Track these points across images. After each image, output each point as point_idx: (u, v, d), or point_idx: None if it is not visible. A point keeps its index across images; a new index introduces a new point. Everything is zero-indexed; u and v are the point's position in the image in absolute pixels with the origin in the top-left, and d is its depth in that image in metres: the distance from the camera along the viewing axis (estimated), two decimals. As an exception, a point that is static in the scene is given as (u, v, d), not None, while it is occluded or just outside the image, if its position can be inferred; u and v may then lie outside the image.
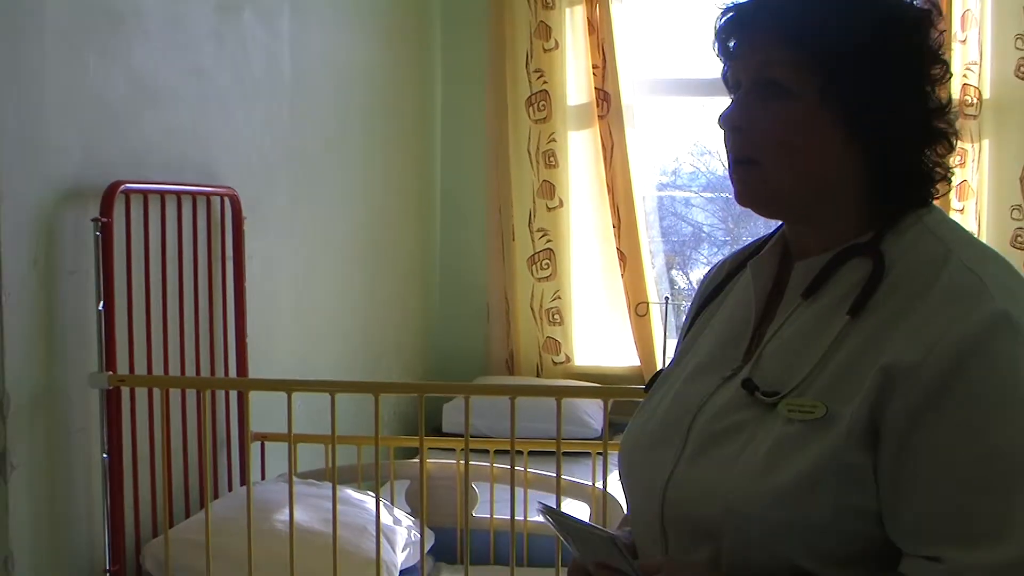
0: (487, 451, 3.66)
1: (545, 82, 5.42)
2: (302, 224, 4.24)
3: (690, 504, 1.35)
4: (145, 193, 3.18)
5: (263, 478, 3.63)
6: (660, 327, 5.31)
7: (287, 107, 4.10)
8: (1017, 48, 5.08)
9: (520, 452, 3.26)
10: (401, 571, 3.28)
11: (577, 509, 3.50)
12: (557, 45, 5.40)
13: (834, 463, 1.25)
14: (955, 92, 5.00)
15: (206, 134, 3.59)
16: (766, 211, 1.43)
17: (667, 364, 1.58)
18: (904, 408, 1.23)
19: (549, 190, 5.46)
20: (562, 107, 5.43)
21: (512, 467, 3.02)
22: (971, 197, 5.16)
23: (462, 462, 3.26)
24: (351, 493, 3.43)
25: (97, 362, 2.97)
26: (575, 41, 5.43)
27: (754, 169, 1.37)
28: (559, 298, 5.51)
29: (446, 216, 5.74)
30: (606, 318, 5.56)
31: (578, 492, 3.51)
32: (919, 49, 1.35)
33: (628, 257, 5.41)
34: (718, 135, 1.42)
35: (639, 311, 5.41)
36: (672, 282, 6.00)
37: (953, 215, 4.94)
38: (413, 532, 3.39)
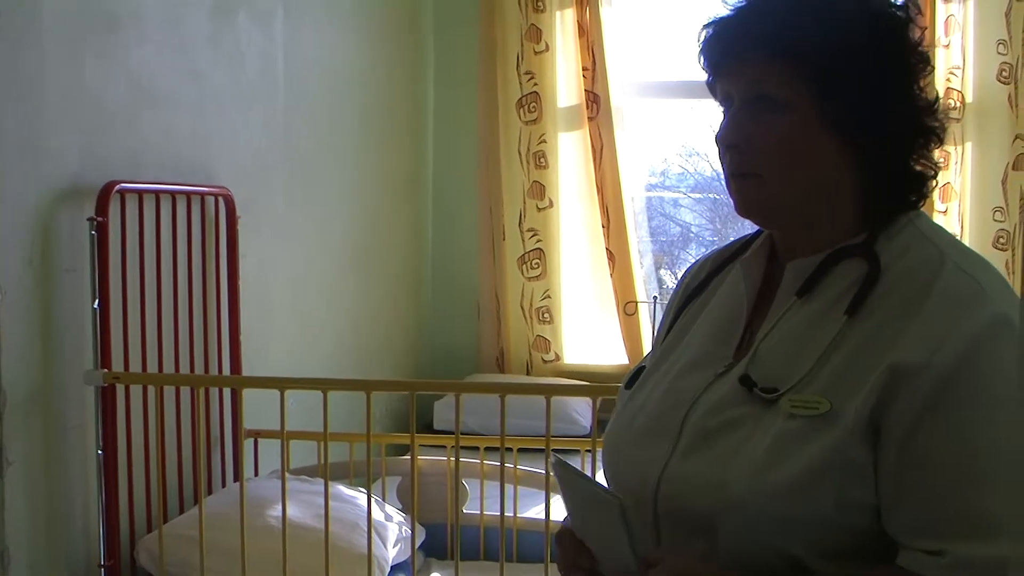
0: (477, 448, 3.66)
1: (536, 84, 5.42)
2: (296, 223, 4.24)
3: (685, 498, 1.36)
4: (141, 193, 3.19)
5: (256, 474, 3.64)
6: (648, 326, 5.32)
7: (281, 108, 4.11)
8: (999, 53, 5.10)
9: (510, 449, 3.28)
10: (392, 566, 3.29)
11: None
12: (547, 48, 5.41)
13: (837, 458, 1.27)
14: (939, 99, 5.01)
15: (202, 135, 3.60)
16: (768, 220, 1.45)
17: (652, 362, 1.57)
18: (908, 406, 1.25)
19: (539, 190, 5.46)
20: (552, 109, 5.43)
21: (502, 464, 3.02)
22: (954, 199, 5.18)
23: (453, 459, 3.27)
24: (343, 489, 3.44)
25: (92, 359, 2.98)
26: (565, 44, 5.43)
27: (755, 182, 1.38)
28: (549, 297, 5.52)
29: (438, 216, 5.74)
30: (595, 317, 5.57)
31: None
32: (905, 49, 1.36)
33: (617, 257, 5.42)
34: (708, 140, 1.42)
35: (628, 310, 5.42)
36: (660, 282, 6.00)
37: (937, 216, 4.97)
38: (404, 528, 3.40)
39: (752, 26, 1.36)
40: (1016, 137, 5.08)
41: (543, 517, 3.13)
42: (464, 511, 3.57)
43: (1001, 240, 5.15)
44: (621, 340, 5.47)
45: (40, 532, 2.87)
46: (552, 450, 2.37)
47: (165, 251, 3.31)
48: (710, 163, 5.92)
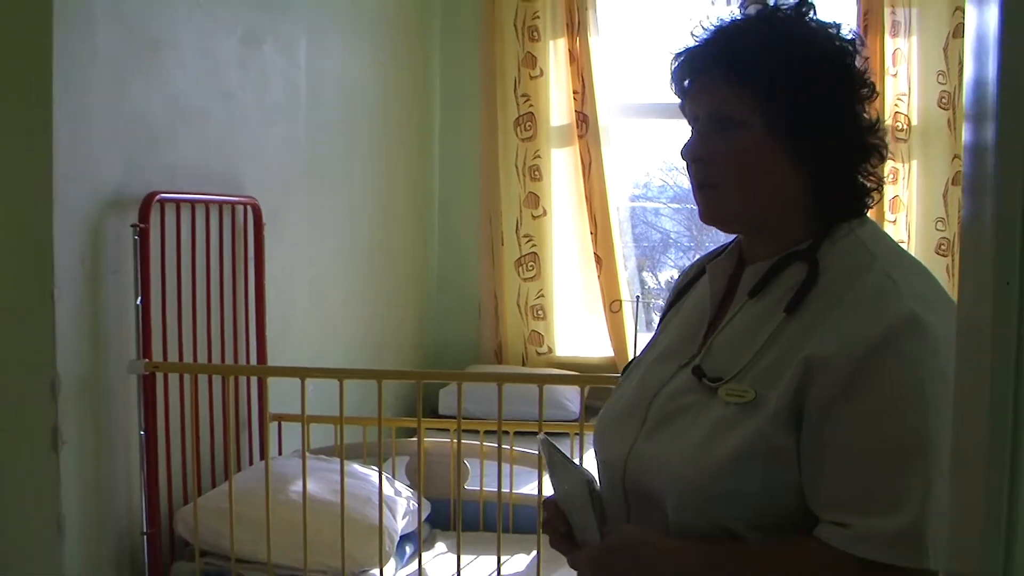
0: (477, 431, 3.66)
1: (531, 105, 5.42)
2: (316, 230, 4.24)
3: (644, 475, 1.37)
4: (178, 202, 3.20)
5: (280, 454, 3.64)
6: (631, 322, 5.30)
7: (303, 127, 4.11)
8: (939, 82, 5.13)
9: (507, 432, 3.27)
10: (401, 536, 3.30)
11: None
12: (542, 73, 5.40)
13: (761, 442, 1.27)
14: (887, 119, 5.04)
15: (232, 150, 3.60)
16: (726, 227, 1.46)
17: (639, 354, 1.59)
18: (820, 395, 1.26)
19: (534, 200, 5.46)
20: (546, 127, 5.43)
21: (499, 446, 3.03)
22: (902, 210, 5.20)
23: (455, 441, 3.28)
24: (357, 468, 3.43)
25: (135, 350, 3.00)
26: (558, 69, 5.43)
27: (714, 193, 1.39)
28: (542, 296, 5.51)
29: (443, 223, 5.73)
30: (584, 314, 5.55)
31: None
32: (849, 75, 1.37)
33: (604, 260, 5.41)
34: (681, 160, 1.45)
35: (613, 308, 5.41)
36: (643, 283, 6.00)
37: (887, 226, 4.99)
38: (412, 502, 3.41)
39: (714, 55, 1.37)
40: (955, 156, 5.08)
41: (535, 493, 3.15)
42: (465, 487, 3.56)
43: (942, 247, 5.17)
44: (607, 335, 5.46)
45: (90, 503, 2.89)
46: (543, 432, 2.39)
47: (199, 254, 3.33)
48: (687, 177, 5.91)
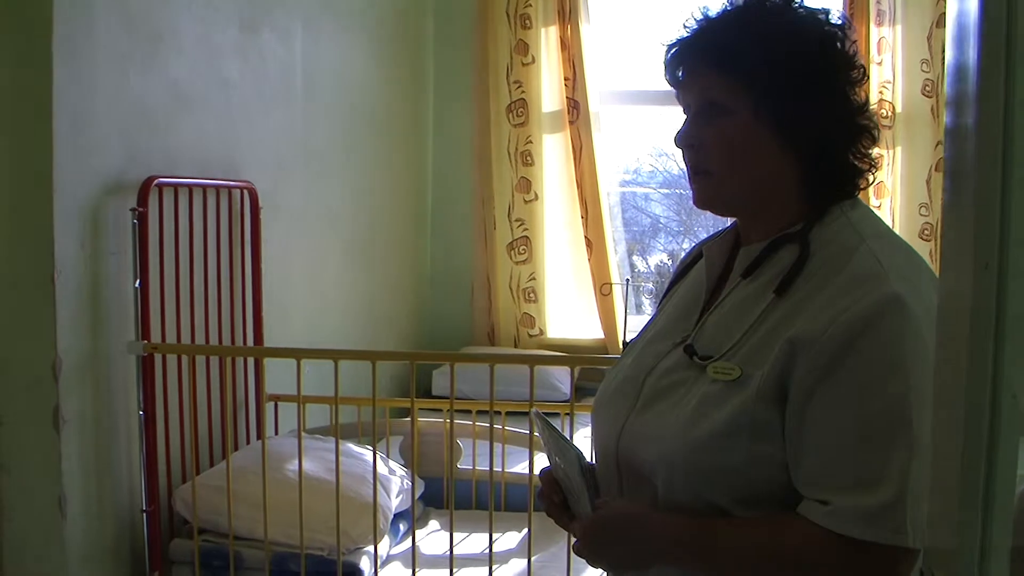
0: (470, 411, 3.68)
1: (523, 92, 5.42)
2: (311, 214, 4.24)
3: (635, 450, 1.38)
4: (176, 186, 3.20)
5: (276, 433, 3.65)
6: (621, 305, 5.32)
7: (300, 113, 4.11)
8: (923, 71, 5.15)
9: (498, 412, 3.29)
10: (395, 514, 3.31)
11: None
12: (534, 60, 5.41)
13: (745, 418, 1.28)
14: (872, 105, 5.05)
15: (230, 135, 3.60)
16: (719, 211, 1.46)
17: (637, 335, 1.60)
18: (805, 374, 1.26)
19: (526, 185, 5.47)
20: (537, 113, 5.43)
21: (491, 425, 3.04)
22: (887, 196, 5.21)
23: (448, 421, 3.29)
24: (352, 447, 3.46)
25: (134, 332, 2.99)
26: (549, 56, 5.43)
27: (707, 178, 1.40)
28: (534, 279, 5.52)
29: (437, 207, 5.73)
30: (575, 297, 5.57)
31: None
32: (836, 58, 1.37)
33: (594, 244, 5.42)
34: (674, 146, 1.45)
35: (603, 291, 5.43)
36: (632, 266, 6.01)
37: (872, 211, 5.01)
38: (406, 481, 3.42)
39: (702, 44, 1.38)
40: (938, 143, 5.11)
41: (527, 472, 3.16)
42: (458, 467, 3.59)
43: (926, 232, 5.20)
44: (597, 317, 5.47)
45: (91, 480, 2.89)
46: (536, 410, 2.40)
47: (197, 237, 3.33)
48: (677, 162, 5.93)
